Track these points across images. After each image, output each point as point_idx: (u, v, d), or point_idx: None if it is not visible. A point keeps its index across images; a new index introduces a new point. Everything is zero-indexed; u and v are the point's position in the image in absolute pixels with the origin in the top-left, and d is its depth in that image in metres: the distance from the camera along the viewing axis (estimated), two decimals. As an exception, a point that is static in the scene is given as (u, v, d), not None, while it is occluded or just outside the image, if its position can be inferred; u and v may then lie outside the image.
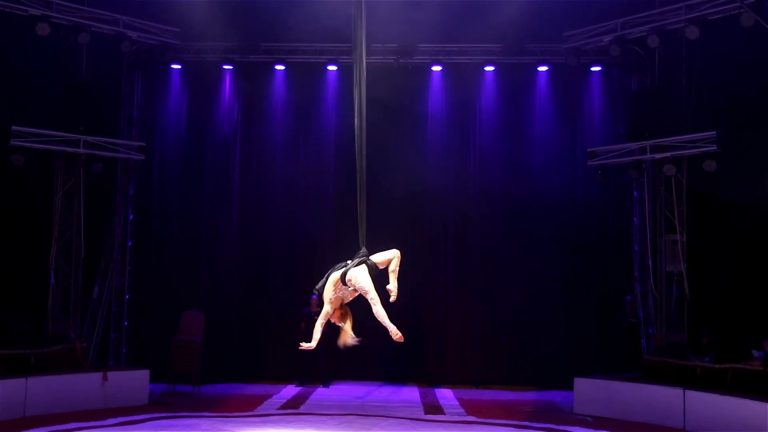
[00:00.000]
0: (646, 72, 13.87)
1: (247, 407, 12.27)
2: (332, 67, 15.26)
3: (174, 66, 15.18)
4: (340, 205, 14.78)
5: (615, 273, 14.56)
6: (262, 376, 14.83)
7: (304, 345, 7.51)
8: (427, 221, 15.35)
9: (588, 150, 14.14)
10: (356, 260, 7.30)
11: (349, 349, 7.42)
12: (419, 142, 15.35)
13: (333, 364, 14.57)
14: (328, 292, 7.33)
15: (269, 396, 13.37)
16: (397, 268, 7.33)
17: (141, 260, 14.81)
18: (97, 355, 13.80)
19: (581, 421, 11.62)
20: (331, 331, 7.63)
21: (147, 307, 14.74)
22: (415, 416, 11.84)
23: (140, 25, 14.06)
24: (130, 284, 14.55)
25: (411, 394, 14.00)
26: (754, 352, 11.39)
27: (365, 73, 7.99)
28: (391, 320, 6.98)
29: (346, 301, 7.39)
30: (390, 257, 7.37)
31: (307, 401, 12.99)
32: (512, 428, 11.00)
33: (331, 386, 14.39)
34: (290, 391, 13.98)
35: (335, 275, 7.32)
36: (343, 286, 7.27)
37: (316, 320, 7.57)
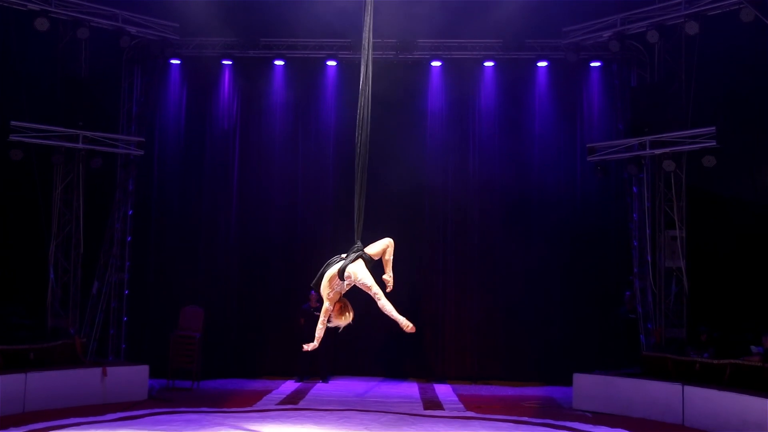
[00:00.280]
0: (646, 67, 13.85)
1: (246, 402, 12.28)
2: (332, 63, 15.24)
3: (173, 61, 15.17)
4: (339, 199, 14.78)
5: (614, 269, 14.58)
6: (262, 372, 14.85)
7: (307, 346, 7.50)
8: (426, 216, 15.36)
9: (587, 145, 14.11)
10: (353, 255, 7.26)
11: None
12: (418, 137, 15.36)
13: (332, 360, 14.59)
14: (325, 289, 7.28)
15: (268, 391, 13.38)
16: (392, 257, 7.34)
17: (140, 256, 14.81)
18: (96, 350, 13.79)
19: (580, 417, 11.64)
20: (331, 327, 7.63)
21: (146, 302, 14.75)
22: (414, 412, 11.85)
23: (139, 20, 14.03)
24: (129, 280, 14.53)
25: (410, 389, 14.02)
26: (753, 348, 11.39)
27: (371, 74, 7.93)
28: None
29: (343, 292, 7.34)
30: (383, 247, 7.36)
31: (307, 396, 13.00)
32: (511, 423, 11.01)
33: (330, 381, 14.40)
34: (289, 386, 13.99)
35: (332, 271, 7.25)
36: (340, 282, 7.23)
37: (315, 315, 7.55)
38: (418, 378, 14.85)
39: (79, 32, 13.19)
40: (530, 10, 13.72)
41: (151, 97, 15.02)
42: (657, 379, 11.88)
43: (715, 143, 12.30)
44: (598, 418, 11.51)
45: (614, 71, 14.76)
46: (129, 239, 14.57)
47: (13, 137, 12.57)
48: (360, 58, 8.05)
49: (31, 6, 12.70)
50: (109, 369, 12.23)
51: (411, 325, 6.93)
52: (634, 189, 14.06)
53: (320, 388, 13.83)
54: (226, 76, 15.42)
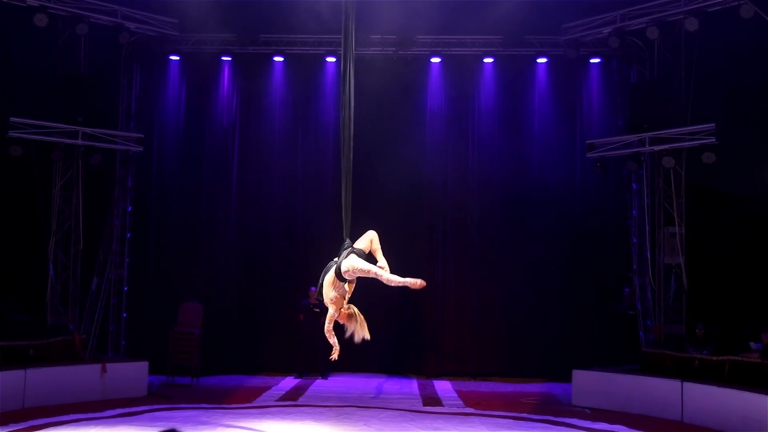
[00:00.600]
0: (645, 64, 13.84)
1: (245, 399, 12.29)
2: (331, 59, 15.21)
3: (172, 57, 15.14)
4: (338, 196, 14.50)
5: (613, 265, 14.58)
6: (261, 368, 14.84)
7: (335, 354, 7.62)
8: (425, 213, 15.35)
9: (586, 142, 14.12)
10: (344, 253, 7.39)
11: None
12: (418, 133, 15.34)
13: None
14: (328, 293, 7.41)
15: (268, 388, 13.39)
16: (379, 246, 7.48)
17: (140, 252, 14.80)
18: (95, 346, 13.79)
19: (579, 413, 11.64)
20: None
21: (146, 298, 14.74)
22: (413, 408, 11.85)
23: (138, 16, 14.01)
24: (128, 276, 14.53)
25: (410, 386, 14.02)
26: (752, 344, 11.40)
27: (353, 66, 8.02)
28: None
29: (348, 297, 7.44)
30: (369, 238, 7.57)
31: (306, 393, 13.01)
32: (511, 420, 11.02)
33: (329, 378, 14.40)
34: (289, 382, 14.00)
35: (330, 275, 7.40)
36: (341, 283, 7.33)
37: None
38: (417, 374, 14.85)
39: (78, 28, 13.18)
40: (530, 6, 13.69)
41: (150, 94, 15.01)
42: (656, 375, 11.89)
43: (714, 140, 12.30)
44: (597, 415, 11.52)
45: (614, 68, 14.75)
46: (128, 236, 14.56)
47: (13, 133, 12.57)
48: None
49: (30, 2, 12.69)
50: (108, 365, 12.24)
51: (419, 280, 6.96)
52: (634, 186, 14.06)
53: (319, 385, 13.83)
54: (225, 72, 15.40)
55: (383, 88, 14.19)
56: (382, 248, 7.56)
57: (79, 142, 13.22)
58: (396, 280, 7.04)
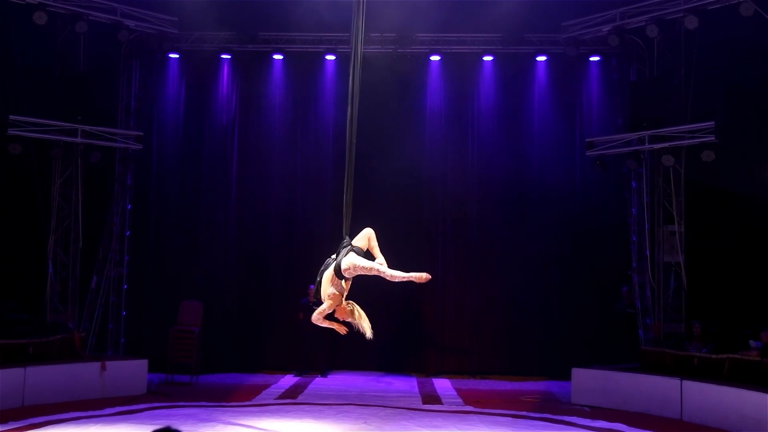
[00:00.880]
0: (645, 62, 13.84)
1: (245, 397, 12.29)
2: (330, 57, 15.21)
3: (172, 55, 15.13)
4: (338, 194, 14.52)
5: (613, 264, 14.56)
6: (260, 366, 14.85)
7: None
8: (425, 210, 15.35)
9: (586, 140, 14.12)
10: (344, 251, 7.39)
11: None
12: (417, 131, 15.34)
13: (331, 354, 14.59)
14: (326, 290, 7.42)
15: (267, 386, 13.39)
16: (376, 244, 7.50)
17: (139, 250, 14.80)
18: (95, 344, 13.80)
19: (579, 411, 11.64)
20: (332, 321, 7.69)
21: (145, 297, 14.74)
22: (413, 406, 11.86)
23: (138, 14, 14.00)
24: (128, 274, 14.53)
25: (409, 384, 14.02)
26: (752, 343, 11.40)
27: (360, 64, 8.04)
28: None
29: (345, 293, 7.45)
30: (366, 236, 7.58)
31: (306, 391, 13.00)
32: (510, 418, 11.02)
33: (329, 376, 14.40)
34: (288, 380, 14.00)
35: (329, 272, 7.41)
36: (339, 280, 7.33)
37: (314, 310, 7.67)
38: (416, 372, 14.85)
39: (78, 26, 13.17)
40: (529, 5, 13.70)
41: (149, 91, 15.01)
42: (655, 373, 11.89)
43: (714, 138, 12.31)
44: (596, 413, 11.52)
45: (613, 66, 14.75)
46: (128, 234, 14.57)
47: (12, 131, 12.57)
48: (360, 55, 8.11)
49: None
50: (108, 363, 12.24)
51: (424, 274, 6.98)
52: (633, 184, 14.07)
53: (319, 383, 13.83)
54: (225, 70, 15.39)
55: (383, 86, 14.17)
56: (381, 246, 7.58)
57: (79, 140, 13.22)
58: (400, 275, 7.04)
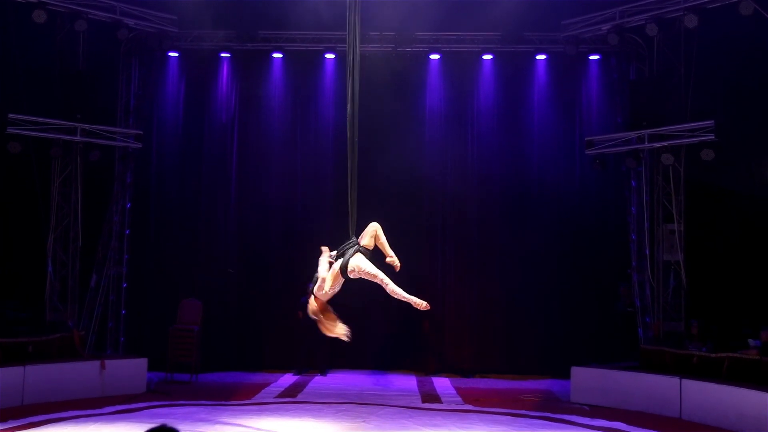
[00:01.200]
0: (645, 61, 13.83)
1: (244, 395, 12.29)
2: (330, 56, 15.22)
3: (171, 54, 15.13)
4: (337, 193, 14.73)
5: (612, 262, 14.57)
6: (260, 365, 14.85)
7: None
8: (424, 209, 15.35)
9: (586, 139, 14.12)
10: (351, 251, 7.34)
11: (345, 337, 7.46)
12: (417, 129, 15.34)
13: (331, 353, 14.58)
14: (325, 286, 7.38)
15: (267, 384, 13.39)
16: (385, 239, 7.41)
17: (139, 249, 14.80)
18: (95, 343, 13.80)
19: (578, 410, 11.64)
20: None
21: (145, 295, 14.74)
22: (412, 405, 11.86)
23: (137, 12, 13.99)
24: (127, 273, 14.53)
25: (408, 382, 14.02)
26: (751, 341, 11.41)
27: (359, 62, 8.02)
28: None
29: (336, 291, 7.44)
30: (372, 232, 7.48)
31: (305, 390, 13.01)
32: (509, 417, 11.02)
33: (328, 375, 14.41)
34: (288, 379, 14.00)
35: (335, 269, 7.36)
36: (341, 279, 7.32)
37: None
38: (416, 371, 14.84)
39: (77, 24, 13.16)
40: (529, 3, 13.68)
41: (149, 90, 15.01)
42: (655, 372, 11.89)
43: (713, 137, 12.31)
44: (595, 411, 11.52)
45: (613, 64, 14.75)
46: (127, 232, 14.57)
47: (11, 130, 12.56)
48: (358, 52, 8.08)
49: (28, -2, 12.68)
50: (107, 362, 12.24)
51: (424, 303, 6.98)
52: (633, 182, 14.06)
53: (318, 382, 13.83)
54: (224, 68, 15.39)
55: (382, 85, 14.18)
56: None
57: (78, 138, 13.21)
58: (401, 294, 7.01)
